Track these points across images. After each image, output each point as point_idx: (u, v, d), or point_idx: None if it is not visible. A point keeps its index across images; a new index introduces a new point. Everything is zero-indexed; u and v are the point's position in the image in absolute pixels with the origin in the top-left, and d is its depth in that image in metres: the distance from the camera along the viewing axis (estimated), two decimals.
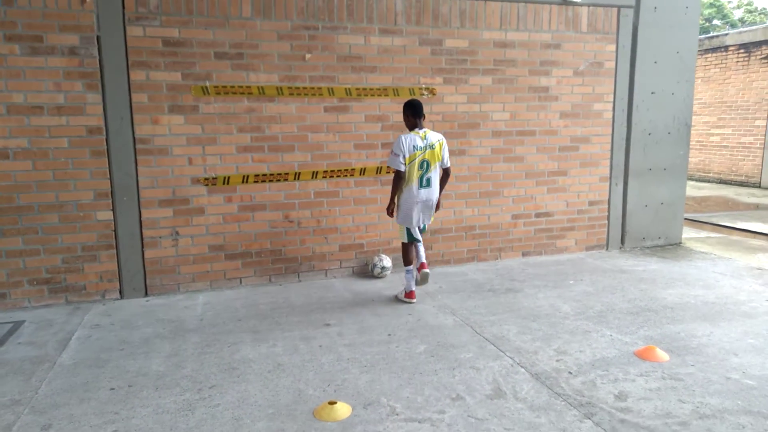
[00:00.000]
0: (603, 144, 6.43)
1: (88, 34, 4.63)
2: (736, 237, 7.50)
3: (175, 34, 4.85)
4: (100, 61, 4.69)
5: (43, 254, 4.72)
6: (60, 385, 3.32)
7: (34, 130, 4.60)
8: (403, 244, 4.82)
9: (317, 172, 5.41)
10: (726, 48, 13.36)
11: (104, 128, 4.76)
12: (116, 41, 4.70)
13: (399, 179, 4.63)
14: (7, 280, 4.66)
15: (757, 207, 10.04)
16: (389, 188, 5.67)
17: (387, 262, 5.51)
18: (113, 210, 4.86)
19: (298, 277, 5.49)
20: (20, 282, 4.69)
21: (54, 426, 2.87)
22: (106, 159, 4.80)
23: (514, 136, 6.06)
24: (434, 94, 5.66)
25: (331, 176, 5.47)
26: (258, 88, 5.12)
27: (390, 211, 4.77)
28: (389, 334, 4.07)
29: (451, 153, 5.22)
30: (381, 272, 5.49)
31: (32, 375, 3.45)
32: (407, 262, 4.79)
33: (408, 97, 5.57)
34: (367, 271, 5.63)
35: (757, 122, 12.62)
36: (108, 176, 4.81)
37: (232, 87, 5.05)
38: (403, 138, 4.56)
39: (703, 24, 27.96)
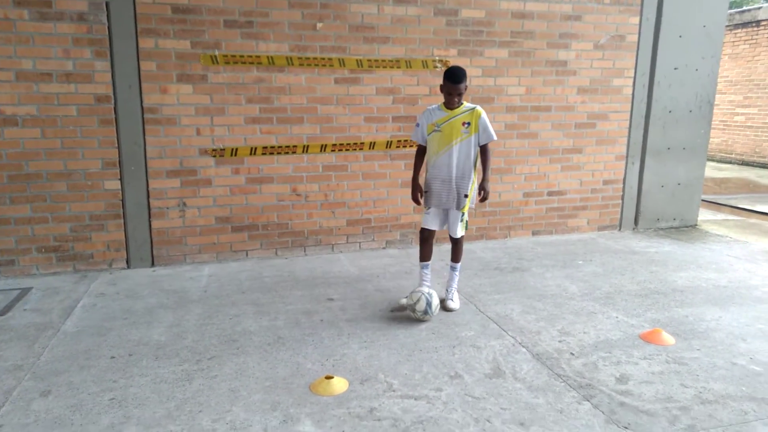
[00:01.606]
0: (621, 121, 6.25)
1: (97, 0, 4.57)
2: (754, 220, 7.30)
3: (184, 1, 4.77)
4: (108, 27, 4.64)
5: (51, 222, 4.76)
6: (62, 352, 3.37)
7: (43, 97, 4.58)
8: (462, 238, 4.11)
9: (326, 145, 5.35)
10: (758, 23, 12.84)
11: (113, 96, 4.74)
12: (125, 7, 4.63)
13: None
14: (16, 247, 4.72)
15: None
16: (400, 162, 5.62)
17: (435, 299, 3.85)
18: (121, 179, 4.86)
19: (305, 251, 5.48)
20: (29, 249, 4.75)
21: (53, 392, 2.91)
22: (114, 128, 4.78)
23: (528, 112, 5.91)
24: (448, 67, 5.51)
25: (340, 150, 5.40)
26: (268, 57, 5.04)
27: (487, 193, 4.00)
28: (391, 310, 4.05)
29: None
30: (427, 311, 3.79)
31: (35, 341, 3.50)
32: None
33: (421, 69, 5.47)
34: (373, 246, 5.60)
35: None
36: (116, 145, 4.81)
37: (242, 56, 4.98)
38: None
39: None
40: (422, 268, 4.14)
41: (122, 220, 4.92)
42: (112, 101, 4.75)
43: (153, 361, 3.25)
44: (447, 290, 4.16)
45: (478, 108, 3.91)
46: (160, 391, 2.93)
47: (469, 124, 3.88)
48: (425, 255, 4.13)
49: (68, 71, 4.61)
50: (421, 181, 4.08)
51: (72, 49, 4.60)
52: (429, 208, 4.03)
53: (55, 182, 4.71)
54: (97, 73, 4.68)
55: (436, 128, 3.92)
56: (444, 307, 4.04)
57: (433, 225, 4.05)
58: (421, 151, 4.06)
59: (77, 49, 4.61)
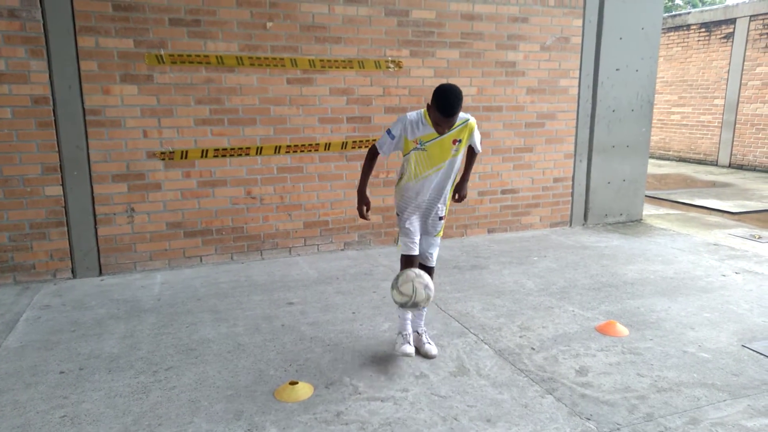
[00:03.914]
0: (568, 120, 6.43)
1: None
2: (693, 213, 7.68)
3: None
4: (44, 25, 4.39)
5: None
6: (5, 369, 3.15)
7: None
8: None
9: (280, 147, 5.26)
10: (688, 27, 13.54)
11: (51, 98, 4.49)
12: (61, 4, 4.40)
13: None
14: None
15: (713, 184, 10.31)
16: (356, 163, 5.58)
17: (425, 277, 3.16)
18: (63, 185, 4.62)
19: (261, 255, 5.36)
20: None
21: None
22: (54, 131, 4.54)
23: (480, 112, 6.00)
24: (400, 68, 5.54)
25: (295, 151, 5.32)
26: (217, 57, 4.90)
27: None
28: (353, 312, 4.01)
29: None
30: (429, 297, 3.13)
31: None
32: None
33: (374, 70, 5.45)
34: (331, 248, 5.54)
35: (716, 101, 12.90)
36: (56, 149, 4.56)
37: (189, 56, 4.82)
38: None
39: (666, 3, 28.37)
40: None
41: (66, 228, 4.67)
42: (51, 103, 4.50)
43: (106, 375, 3.09)
44: (419, 332, 3.41)
45: (472, 120, 3.18)
46: (115, 405, 2.79)
47: (459, 141, 3.15)
48: None
49: (0, 71, 4.34)
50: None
51: (4, 48, 4.33)
52: (408, 224, 3.29)
53: None
54: (33, 73, 4.43)
55: (418, 146, 3.13)
56: (423, 353, 3.32)
57: (415, 249, 3.30)
58: (374, 155, 3.30)
59: (10, 48, 4.35)
